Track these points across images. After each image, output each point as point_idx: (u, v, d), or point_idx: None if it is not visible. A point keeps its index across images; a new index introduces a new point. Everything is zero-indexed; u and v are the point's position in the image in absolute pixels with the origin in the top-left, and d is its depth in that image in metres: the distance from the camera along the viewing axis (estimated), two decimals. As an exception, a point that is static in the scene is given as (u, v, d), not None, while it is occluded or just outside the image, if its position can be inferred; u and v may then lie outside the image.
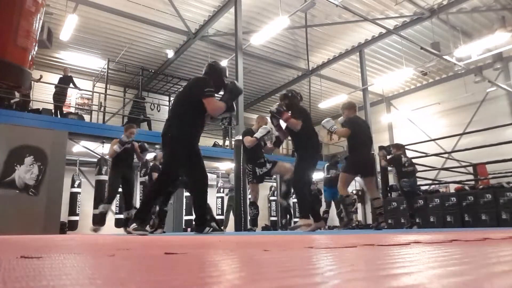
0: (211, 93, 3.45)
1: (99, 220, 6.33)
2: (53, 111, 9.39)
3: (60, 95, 9.58)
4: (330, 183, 8.80)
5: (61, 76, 9.91)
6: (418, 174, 7.50)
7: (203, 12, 9.83)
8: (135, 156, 6.07)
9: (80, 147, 8.51)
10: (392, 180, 9.15)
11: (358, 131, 4.72)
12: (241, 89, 3.69)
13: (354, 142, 4.74)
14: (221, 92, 3.77)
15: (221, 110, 3.51)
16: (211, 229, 3.60)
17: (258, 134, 4.99)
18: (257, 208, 5.31)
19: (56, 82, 9.83)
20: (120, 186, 6.00)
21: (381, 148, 7.13)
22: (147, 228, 3.52)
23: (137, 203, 9.68)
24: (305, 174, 4.36)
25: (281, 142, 5.24)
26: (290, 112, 4.43)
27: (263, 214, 13.44)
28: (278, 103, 4.67)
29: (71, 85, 9.88)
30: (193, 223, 4.10)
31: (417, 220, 6.27)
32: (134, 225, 3.34)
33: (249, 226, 5.47)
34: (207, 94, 3.43)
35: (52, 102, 9.42)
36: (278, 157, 13.09)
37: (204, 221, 3.65)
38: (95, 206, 8.16)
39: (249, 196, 5.55)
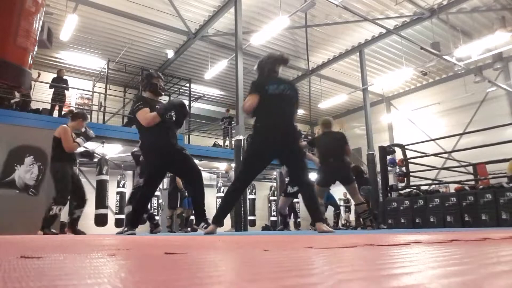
0: (138, 108, 3.67)
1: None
2: (56, 111, 9.39)
3: (59, 95, 9.55)
4: None
5: (55, 77, 9.77)
6: (418, 174, 7.50)
7: (203, 12, 9.83)
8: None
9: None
10: (392, 180, 9.14)
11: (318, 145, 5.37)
12: (175, 103, 3.86)
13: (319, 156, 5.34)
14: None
15: (151, 120, 3.59)
16: (205, 225, 3.76)
17: None
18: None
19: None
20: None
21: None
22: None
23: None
24: (241, 166, 3.65)
25: None
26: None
27: (263, 214, 13.46)
28: None
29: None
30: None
31: (417, 220, 6.27)
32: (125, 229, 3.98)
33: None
34: (136, 109, 3.69)
35: (51, 102, 9.41)
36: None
37: (202, 217, 3.85)
38: (96, 207, 8.16)
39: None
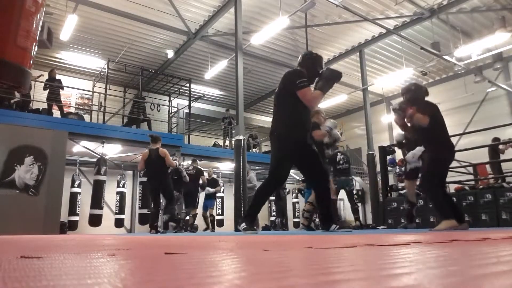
0: (304, 84, 3.28)
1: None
2: (56, 111, 9.29)
3: (54, 95, 9.30)
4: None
5: (47, 78, 9.33)
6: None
7: (203, 12, 9.82)
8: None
9: (80, 147, 8.51)
10: (392, 180, 9.14)
11: None
12: (339, 72, 3.37)
13: None
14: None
15: (318, 99, 3.31)
16: (337, 226, 3.43)
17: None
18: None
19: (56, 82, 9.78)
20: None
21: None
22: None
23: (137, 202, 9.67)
24: (434, 176, 3.83)
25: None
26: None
27: (263, 214, 13.44)
28: (400, 101, 4.11)
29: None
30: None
31: (417, 220, 6.26)
32: (243, 225, 3.38)
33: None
34: (300, 85, 3.27)
35: (47, 102, 9.29)
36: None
37: (330, 219, 3.49)
38: (92, 207, 8.17)
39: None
